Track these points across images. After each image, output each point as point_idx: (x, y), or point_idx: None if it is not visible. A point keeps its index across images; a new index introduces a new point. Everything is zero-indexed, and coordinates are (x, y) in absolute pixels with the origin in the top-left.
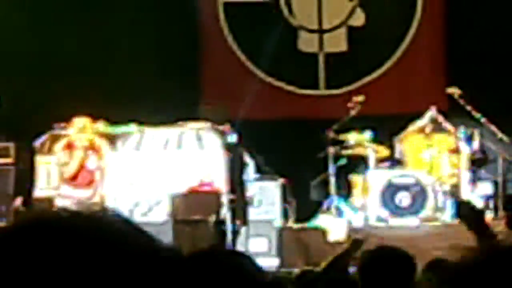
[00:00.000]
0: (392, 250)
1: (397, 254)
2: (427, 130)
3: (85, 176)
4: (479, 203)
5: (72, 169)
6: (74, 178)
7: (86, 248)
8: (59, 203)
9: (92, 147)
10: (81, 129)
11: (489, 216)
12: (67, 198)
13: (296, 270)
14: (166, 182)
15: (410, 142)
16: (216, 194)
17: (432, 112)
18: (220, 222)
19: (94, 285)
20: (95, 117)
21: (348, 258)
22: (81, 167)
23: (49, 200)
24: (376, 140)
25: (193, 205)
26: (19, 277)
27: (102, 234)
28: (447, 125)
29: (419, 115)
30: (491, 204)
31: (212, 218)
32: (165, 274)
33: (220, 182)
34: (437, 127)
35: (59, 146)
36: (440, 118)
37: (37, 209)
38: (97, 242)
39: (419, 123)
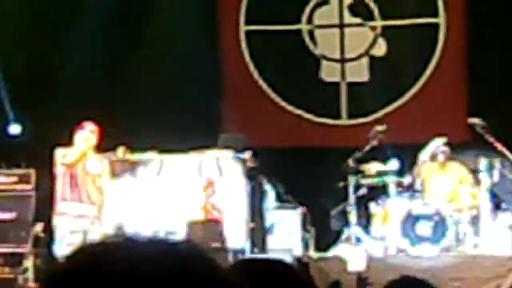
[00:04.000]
0: (417, 280)
1: (422, 284)
2: (441, 159)
3: (84, 180)
4: (503, 234)
5: (72, 157)
6: (73, 173)
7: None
8: (57, 220)
9: (93, 150)
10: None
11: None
12: (66, 214)
13: None
14: (185, 210)
15: (425, 172)
16: (218, 222)
17: (437, 142)
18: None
19: None
20: (116, 144)
21: None
22: (82, 157)
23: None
24: (398, 170)
25: (211, 233)
26: None
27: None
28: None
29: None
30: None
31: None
32: None
33: (241, 210)
34: (451, 156)
35: (60, 148)
36: (447, 149)
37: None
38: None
39: (426, 153)
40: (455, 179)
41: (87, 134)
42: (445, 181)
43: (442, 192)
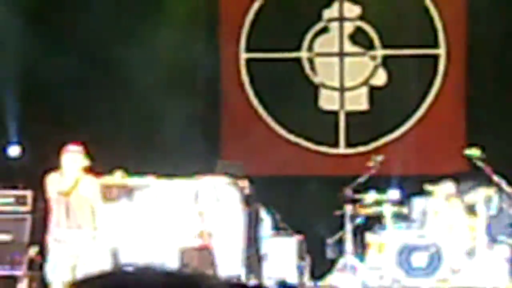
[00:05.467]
0: None
1: None
2: (449, 195)
3: (79, 205)
4: (499, 266)
5: (67, 185)
6: (67, 199)
7: None
8: (56, 249)
9: (84, 170)
10: (73, 154)
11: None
12: (62, 241)
13: None
14: (180, 236)
15: (431, 205)
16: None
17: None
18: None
19: None
20: (113, 167)
21: None
22: (75, 184)
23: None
24: (398, 200)
25: (205, 260)
26: None
27: None
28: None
29: (438, 176)
30: (508, 268)
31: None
32: None
33: (237, 237)
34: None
35: (52, 174)
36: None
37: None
38: None
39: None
40: (457, 212)
41: (74, 156)
42: (448, 214)
43: (444, 224)
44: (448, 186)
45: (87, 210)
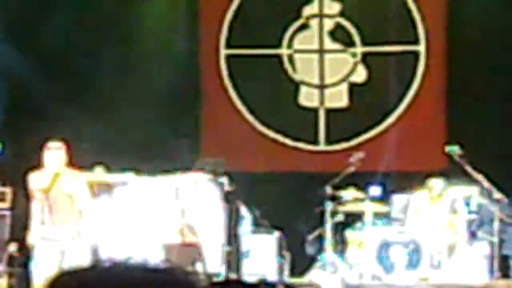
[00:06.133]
0: None
1: None
2: (434, 192)
3: (62, 202)
4: (478, 263)
5: (47, 181)
6: (49, 196)
7: None
8: (41, 246)
9: (66, 166)
10: (54, 148)
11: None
12: (46, 238)
13: None
14: (161, 233)
15: (415, 201)
16: (195, 246)
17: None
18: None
19: None
20: (93, 164)
21: None
22: (56, 179)
23: None
24: (379, 197)
25: (187, 257)
26: None
27: None
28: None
29: (418, 173)
30: (487, 265)
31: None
32: None
33: (217, 234)
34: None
35: (33, 172)
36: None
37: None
38: None
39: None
40: (438, 209)
41: (54, 153)
42: (431, 211)
43: (425, 221)
44: (436, 183)
45: (70, 206)
